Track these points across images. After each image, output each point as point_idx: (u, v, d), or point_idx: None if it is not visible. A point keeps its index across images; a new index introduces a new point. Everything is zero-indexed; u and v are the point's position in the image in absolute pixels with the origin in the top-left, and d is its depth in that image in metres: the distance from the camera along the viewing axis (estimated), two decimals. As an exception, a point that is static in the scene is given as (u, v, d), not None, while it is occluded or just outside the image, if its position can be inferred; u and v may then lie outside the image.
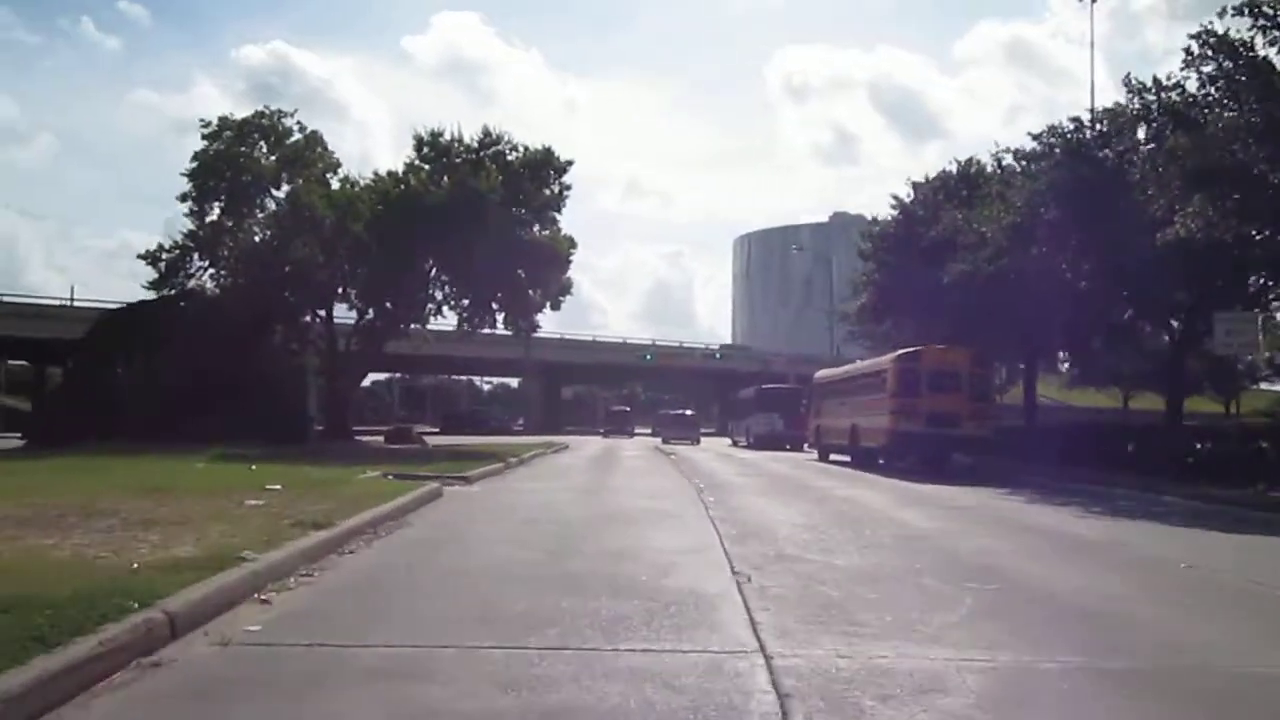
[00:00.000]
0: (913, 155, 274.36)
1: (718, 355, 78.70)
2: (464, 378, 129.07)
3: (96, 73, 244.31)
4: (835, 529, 11.16)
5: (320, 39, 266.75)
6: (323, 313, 32.49)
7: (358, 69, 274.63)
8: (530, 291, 31.08)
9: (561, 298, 32.72)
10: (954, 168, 30.74)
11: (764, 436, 40.91)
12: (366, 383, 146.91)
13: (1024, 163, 23.80)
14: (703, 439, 51.64)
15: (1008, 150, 27.99)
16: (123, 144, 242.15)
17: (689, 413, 59.30)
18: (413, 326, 35.49)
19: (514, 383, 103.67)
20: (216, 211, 29.20)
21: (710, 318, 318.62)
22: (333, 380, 33.15)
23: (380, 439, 35.84)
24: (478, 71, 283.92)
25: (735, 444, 46.47)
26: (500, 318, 32.92)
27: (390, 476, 15.86)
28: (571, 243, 32.05)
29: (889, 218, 31.97)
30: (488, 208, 27.94)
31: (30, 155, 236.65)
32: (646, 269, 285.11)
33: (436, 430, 75.76)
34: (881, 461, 23.84)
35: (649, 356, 73.50)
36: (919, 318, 30.38)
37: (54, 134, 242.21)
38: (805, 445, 37.59)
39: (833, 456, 28.58)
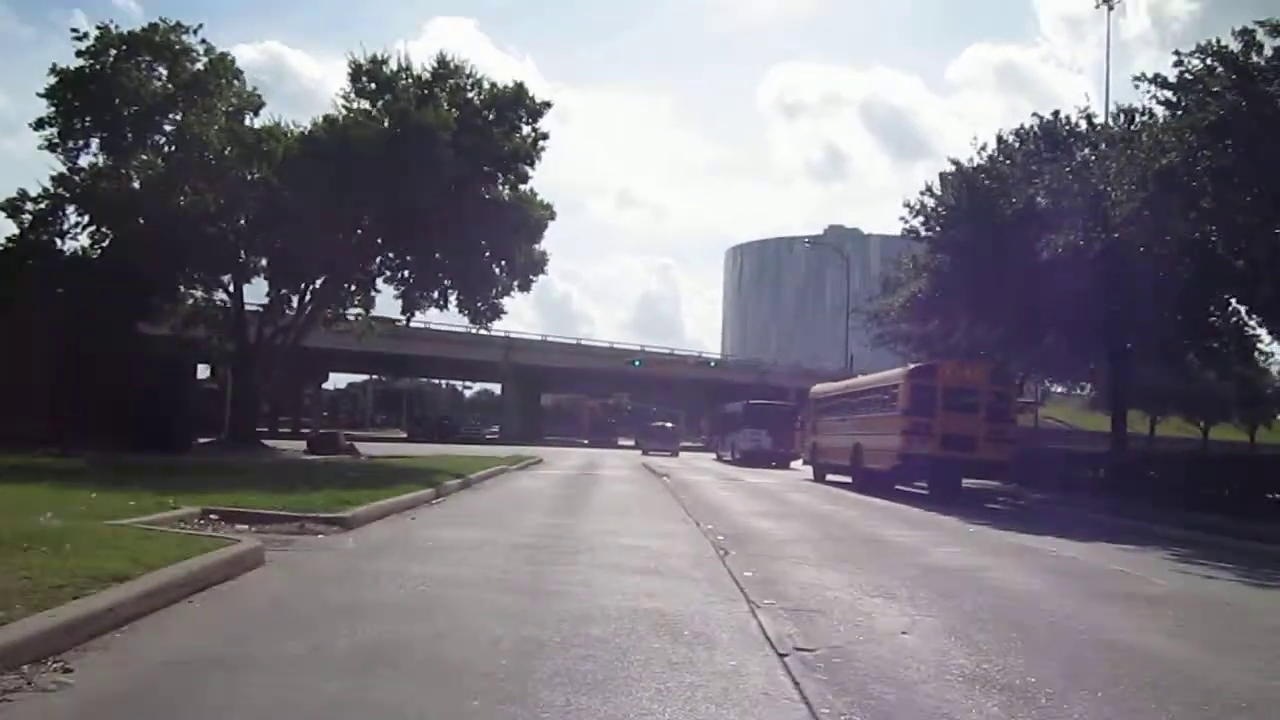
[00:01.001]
0: (902, 174, 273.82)
1: (712, 363, 72.54)
2: (443, 382, 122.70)
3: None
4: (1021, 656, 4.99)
5: (314, 41, 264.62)
6: (230, 288, 25.93)
7: (349, 72, 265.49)
8: (494, 266, 24.74)
9: (533, 277, 26.16)
10: (1033, 123, 24.53)
11: (750, 453, 39.94)
12: (341, 384, 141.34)
13: (1169, 95, 17.27)
14: (691, 453, 51.09)
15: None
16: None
17: (669, 425, 59.42)
18: (349, 311, 29.10)
19: (498, 389, 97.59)
20: (96, 151, 22.65)
21: (698, 330, 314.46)
22: (238, 374, 26.70)
23: (303, 446, 29.21)
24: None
25: (720, 459, 45.38)
26: (453, 298, 26.40)
27: (214, 516, 9.64)
28: (548, 209, 25.73)
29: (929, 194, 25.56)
30: (438, 151, 21.53)
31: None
32: (636, 280, 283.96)
33: (404, 437, 69.40)
34: (898, 486, 22.27)
35: (637, 362, 67.37)
36: (979, 313, 24.31)
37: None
38: (792, 463, 37.69)
39: (830, 477, 26.84)
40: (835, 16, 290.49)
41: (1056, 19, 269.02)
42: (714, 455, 49.39)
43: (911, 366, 22.61)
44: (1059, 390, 45.05)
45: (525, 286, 26.09)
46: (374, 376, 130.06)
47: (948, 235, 23.59)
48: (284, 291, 26.30)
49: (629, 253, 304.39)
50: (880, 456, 21.98)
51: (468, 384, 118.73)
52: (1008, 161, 23.69)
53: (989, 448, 20.35)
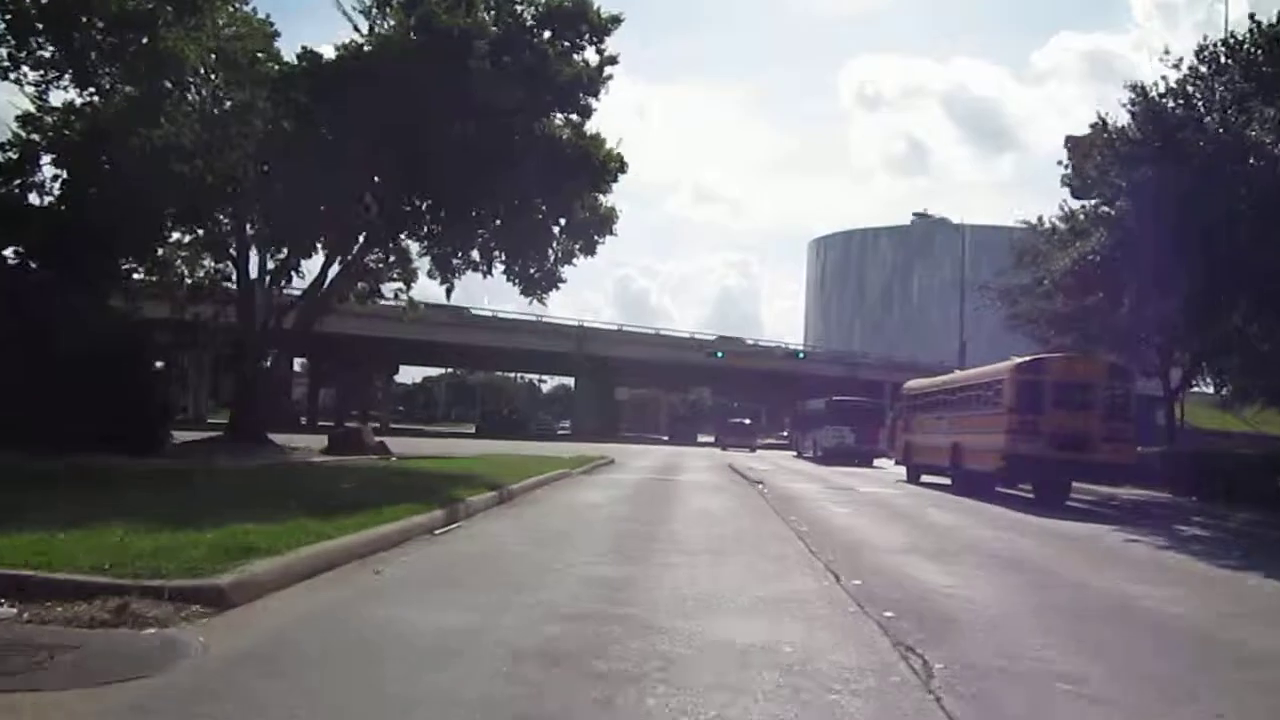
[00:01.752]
0: (987, 168, 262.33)
1: (801, 354, 67.13)
2: (520, 376, 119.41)
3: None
4: None
5: None
6: (233, 251, 21.60)
7: None
8: (548, 223, 20.03)
9: (599, 238, 21.29)
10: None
11: (833, 450, 39.38)
12: (417, 378, 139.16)
13: None
14: (774, 451, 50.70)
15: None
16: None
17: (747, 421, 61.21)
18: (388, 286, 24.74)
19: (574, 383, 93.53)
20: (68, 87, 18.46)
21: (778, 326, 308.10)
22: (239, 360, 22.42)
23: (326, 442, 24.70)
24: None
25: (800, 455, 45.52)
26: (499, 262, 21.55)
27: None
28: (618, 160, 20.93)
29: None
30: (474, 67, 16.90)
31: None
32: (714, 276, 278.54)
33: (471, 432, 65.65)
34: (1000, 489, 20.82)
35: (719, 354, 62.43)
36: (1159, 282, 18.99)
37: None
38: (875, 460, 37.98)
39: (925, 478, 25.54)
40: (915, 6, 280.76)
41: (1148, 4, 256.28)
42: (795, 452, 48.31)
43: (1018, 360, 20.99)
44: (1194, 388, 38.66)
45: (589, 249, 21.30)
46: (449, 370, 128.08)
47: (1131, 178, 18.22)
48: (293, 257, 22.05)
49: (706, 249, 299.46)
50: (983, 457, 20.74)
51: (543, 378, 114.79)
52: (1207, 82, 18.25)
53: (1106, 449, 19.01)
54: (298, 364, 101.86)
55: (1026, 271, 26.60)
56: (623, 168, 21.73)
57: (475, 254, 21.36)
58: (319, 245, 21.42)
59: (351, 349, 62.56)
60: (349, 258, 22.40)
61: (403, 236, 21.58)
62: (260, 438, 21.33)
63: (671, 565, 8.66)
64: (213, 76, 18.26)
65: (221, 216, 20.86)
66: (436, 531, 10.06)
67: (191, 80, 18.13)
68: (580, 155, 18.48)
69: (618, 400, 79.07)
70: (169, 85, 17.70)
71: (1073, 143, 24.44)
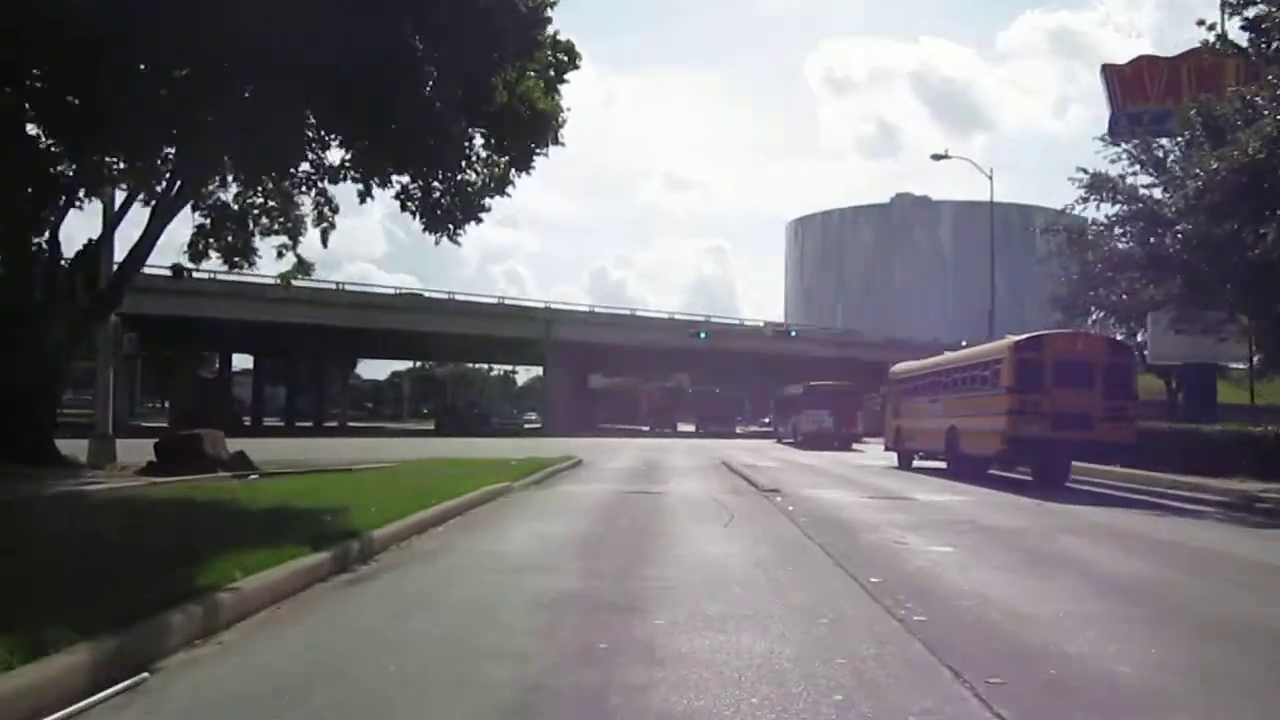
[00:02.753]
0: (957, 148, 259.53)
1: (793, 333, 60.93)
2: (490, 368, 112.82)
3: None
4: None
5: None
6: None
7: None
8: (456, 116, 13.36)
9: (539, 148, 15.23)
10: None
11: (812, 435, 40.73)
12: (384, 373, 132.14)
13: None
14: (758, 440, 49.39)
15: None
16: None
17: (724, 410, 64.71)
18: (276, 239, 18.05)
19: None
20: None
21: (756, 311, 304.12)
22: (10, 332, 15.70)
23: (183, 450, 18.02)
24: None
25: (780, 440, 46.49)
26: (398, 182, 14.61)
27: None
28: (566, 52, 14.71)
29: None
30: None
31: None
32: (690, 263, 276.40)
33: (432, 430, 59.29)
34: (994, 471, 20.94)
35: (703, 335, 56.26)
36: None
37: None
38: (853, 445, 39.45)
39: (917, 462, 25.23)
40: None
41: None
42: (775, 439, 48.82)
43: (1016, 339, 20.83)
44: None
45: (523, 163, 15.06)
46: (416, 364, 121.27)
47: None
48: (74, 167, 15.24)
49: (680, 235, 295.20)
50: (982, 440, 20.30)
51: (515, 370, 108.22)
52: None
53: (1108, 427, 18.64)
54: (241, 362, 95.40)
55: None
56: (573, 60, 15.43)
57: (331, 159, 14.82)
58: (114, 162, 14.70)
59: (300, 340, 56.05)
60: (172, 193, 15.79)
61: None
62: (42, 452, 14.87)
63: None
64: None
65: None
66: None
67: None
68: (505, 14, 11.87)
69: (592, 389, 72.62)
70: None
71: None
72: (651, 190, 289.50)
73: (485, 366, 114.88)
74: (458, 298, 54.43)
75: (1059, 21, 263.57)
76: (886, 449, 29.26)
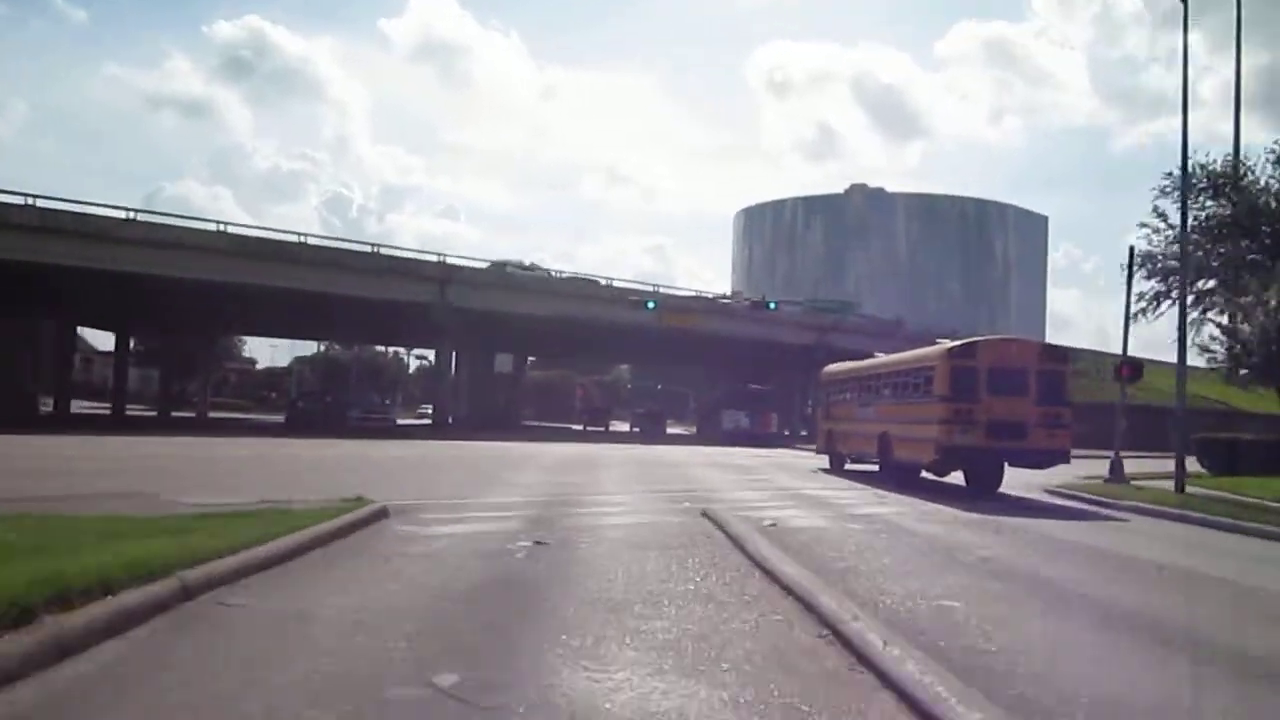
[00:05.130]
0: (894, 153, 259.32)
1: (772, 305, 47.57)
2: (389, 349, 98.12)
3: (66, 45, 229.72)
4: None
5: (296, 16, 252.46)
6: None
7: (335, 48, 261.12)
8: None
9: None
10: None
11: (730, 433, 46.04)
12: (281, 362, 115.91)
13: None
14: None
15: None
16: (94, 118, 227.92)
17: (657, 409, 64.30)
18: None
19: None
20: None
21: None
22: None
23: None
24: (455, 55, 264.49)
25: (704, 439, 47.61)
26: None
27: None
28: None
29: None
30: None
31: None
32: (631, 259, 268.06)
33: (281, 422, 45.29)
34: (925, 476, 20.40)
35: (651, 304, 42.83)
36: None
37: (25, 105, 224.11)
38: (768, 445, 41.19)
39: (849, 466, 24.65)
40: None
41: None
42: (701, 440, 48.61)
43: (949, 345, 20.24)
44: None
45: None
46: (320, 347, 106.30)
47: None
48: None
49: (622, 231, 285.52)
50: (915, 447, 19.73)
51: (419, 353, 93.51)
52: None
53: (1043, 435, 18.26)
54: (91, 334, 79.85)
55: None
56: None
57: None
58: None
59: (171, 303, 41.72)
60: None
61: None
62: None
63: None
64: None
65: None
66: None
67: None
68: None
69: (498, 374, 58.51)
70: None
71: None
72: (593, 185, 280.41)
73: (397, 351, 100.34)
74: (309, 241, 40.11)
75: (994, 31, 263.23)
76: (817, 451, 28.38)
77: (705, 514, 12.59)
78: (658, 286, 48.15)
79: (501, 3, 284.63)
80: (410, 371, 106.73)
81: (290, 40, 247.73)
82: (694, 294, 50.79)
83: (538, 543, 9.60)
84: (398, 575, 7.49)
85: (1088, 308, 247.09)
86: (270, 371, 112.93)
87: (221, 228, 37.86)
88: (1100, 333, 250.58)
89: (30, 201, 33.56)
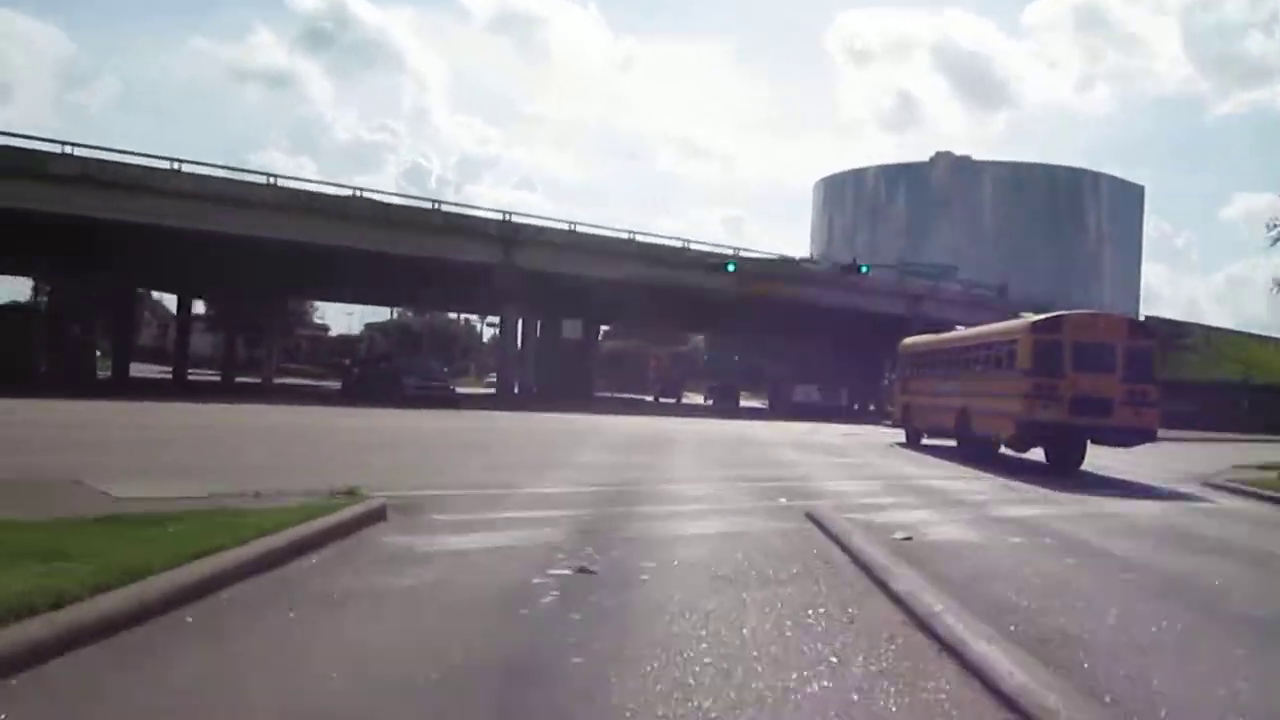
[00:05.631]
0: (977, 122, 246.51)
1: (865, 269, 43.81)
2: (461, 316, 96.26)
3: (153, 18, 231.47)
4: None
5: None
6: None
7: (413, 20, 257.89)
8: None
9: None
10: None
11: (802, 405, 46.19)
12: (355, 329, 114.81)
13: None
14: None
15: None
16: (181, 91, 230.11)
17: (731, 382, 62.23)
18: None
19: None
20: None
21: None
22: None
23: None
24: (532, 25, 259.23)
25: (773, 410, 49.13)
26: None
27: None
28: None
29: None
30: None
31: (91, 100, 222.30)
32: (708, 233, 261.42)
33: (339, 388, 43.07)
34: (1004, 451, 19.69)
35: (731, 266, 39.44)
36: None
37: (115, 79, 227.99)
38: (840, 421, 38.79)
39: (926, 440, 24.41)
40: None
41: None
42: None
43: (1034, 319, 19.72)
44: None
45: None
46: (392, 313, 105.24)
47: None
48: None
49: (697, 203, 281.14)
50: (994, 422, 19.34)
51: (491, 320, 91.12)
52: None
53: (1129, 413, 17.61)
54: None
55: None
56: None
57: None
58: None
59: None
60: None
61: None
62: None
63: None
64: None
65: None
66: None
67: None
68: None
69: (567, 340, 55.54)
70: None
71: None
72: (668, 157, 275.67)
73: (468, 318, 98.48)
74: (365, 195, 37.37)
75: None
76: (893, 425, 28.25)
77: (810, 517, 9.48)
78: (737, 250, 44.59)
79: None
80: (485, 340, 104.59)
81: (369, 11, 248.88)
82: (777, 256, 47.19)
83: (581, 569, 6.58)
84: (317, 656, 4.47)
85: (1176, 283, 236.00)
86: (344, 338, 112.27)
87: (271, 180, 35.41)
88: (1191, 308, 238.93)
89: (69, 150, 31.51)
